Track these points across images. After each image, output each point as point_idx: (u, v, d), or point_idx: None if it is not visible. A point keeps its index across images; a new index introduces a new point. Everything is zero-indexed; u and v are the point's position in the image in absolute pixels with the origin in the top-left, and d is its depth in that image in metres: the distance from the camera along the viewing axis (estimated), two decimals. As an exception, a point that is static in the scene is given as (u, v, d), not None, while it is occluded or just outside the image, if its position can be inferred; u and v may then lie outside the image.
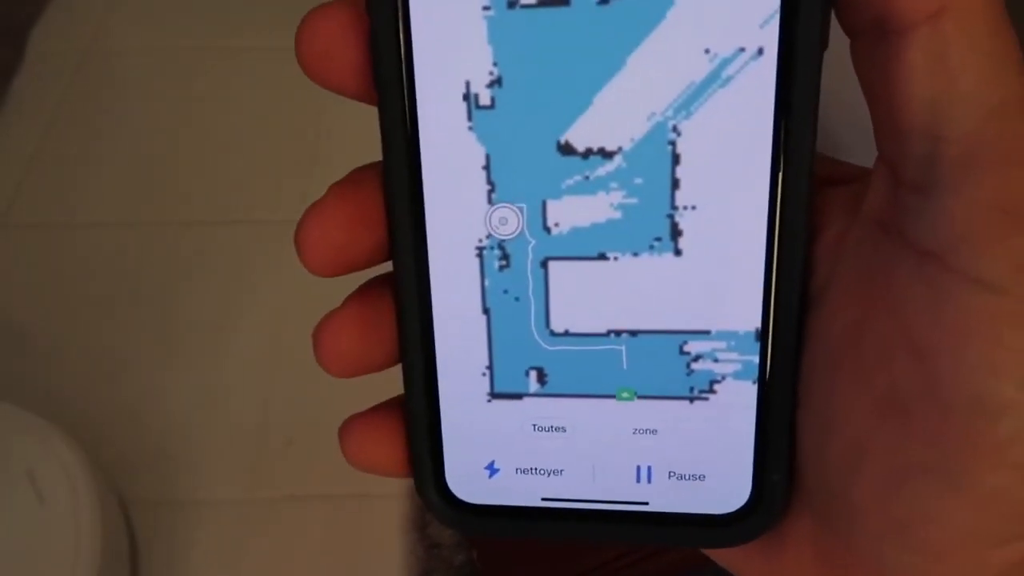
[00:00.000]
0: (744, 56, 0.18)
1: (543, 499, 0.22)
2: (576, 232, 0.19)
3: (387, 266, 0.21)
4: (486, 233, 0.20)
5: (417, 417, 0.21)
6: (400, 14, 0.18)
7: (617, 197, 0.19)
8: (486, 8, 0.18)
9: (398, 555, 0.82)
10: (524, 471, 0.21)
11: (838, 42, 0.18)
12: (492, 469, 0.22)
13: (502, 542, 0.75)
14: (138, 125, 1.22)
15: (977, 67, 0.16)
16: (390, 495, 0.86)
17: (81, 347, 1.00)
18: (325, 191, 0.20)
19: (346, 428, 0.22)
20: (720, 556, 0.23)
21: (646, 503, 0.21)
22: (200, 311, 1.03)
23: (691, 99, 0.18)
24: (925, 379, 0.17)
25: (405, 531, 0.83)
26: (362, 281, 0.22)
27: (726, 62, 0.18)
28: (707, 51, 0.18)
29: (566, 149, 0.19)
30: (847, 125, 0.68)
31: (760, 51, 0.17)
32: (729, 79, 0.18)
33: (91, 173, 1.16)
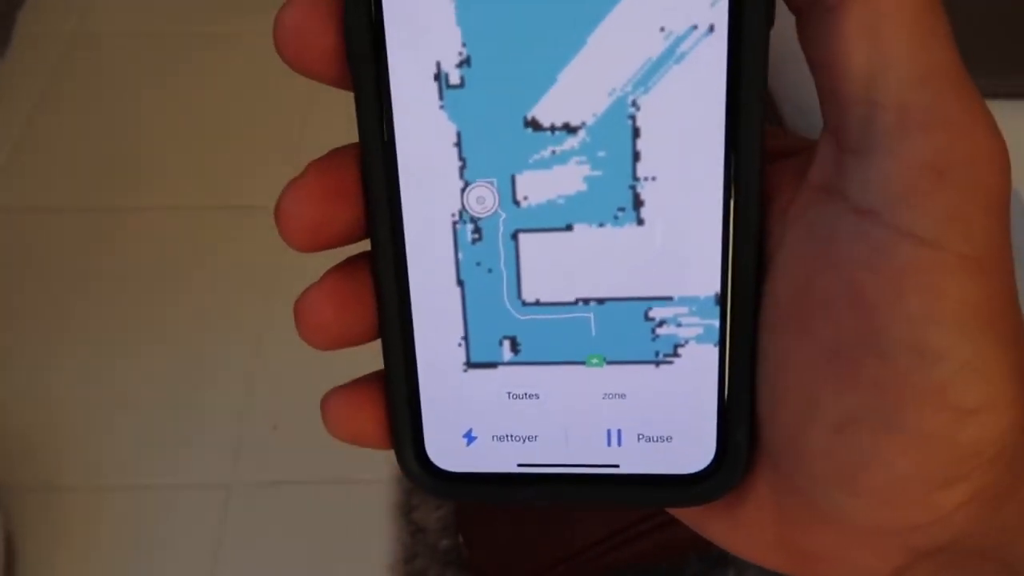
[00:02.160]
0: (696, 33, 0.18)
1: (519, 465, 0.22)
2: (544, 205, 0.20)
3: (366, 244, 0.21)
4: (459, 208, 0.20)
5: (396, 388, 0.22)
6: None
7: (582, 170, 0.19)
8: None
9: (383, 540, 0.83)
10: (500, 438, 0.22)
11: (783, 25, 0.19)
12: (470, 437, 0.22)
13: (487, 527, 0.76)
14: (124, 109, 1.22)
15: (907, 39, 0.17)
16: (375, 480, 0.86)
17: (74, 328, 1.00)
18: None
19: (327, 400, 0.22)
20: (686, 515, 0.23)
21: (617, 465, 0.22)
22: (184, 295, 1.03)
23: (648, 75, 0.19)
24: (867, 329, 0.18)
25: (390, 516, 0.84)
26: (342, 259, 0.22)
27: (680, 39, 0.18)
28: (662, 29, 0.18)
29: (533, 125, 0.19)
30: (788, 103, 0.70)
31: (711, 28, 0.18)
32: (683, 55, 0.18)
33: (75, 157, 1.16)
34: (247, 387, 0.95)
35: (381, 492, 0.85)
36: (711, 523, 0.22)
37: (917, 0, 0.17)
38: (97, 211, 1.11)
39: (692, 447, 0.21)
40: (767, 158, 0.19)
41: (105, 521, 0.87)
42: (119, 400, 0.94)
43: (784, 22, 0.19)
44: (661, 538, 0.68)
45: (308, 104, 1.19)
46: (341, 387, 0.22)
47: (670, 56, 0.19)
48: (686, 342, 0.21)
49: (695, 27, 0.18)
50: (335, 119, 1.13)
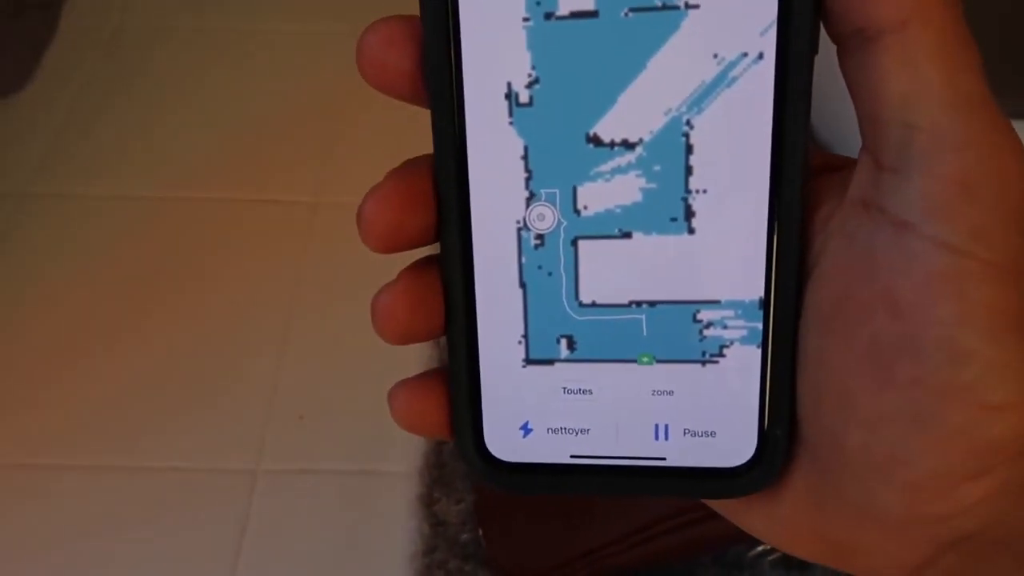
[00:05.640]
0: (747, 60, 0.20)
1: (571, 456, 0.24)
2: (602, 214, 0.22)
3: (436, 247, 0.23)
4: (524, 216, 0.22)
5: (459, 382, 0.23)
6: (451, 24, 0.21)
7: (638, 182, 0.21)
8: (526, 19, 0.20)
9: (404, 531, 0.84)
10: (555, 431, 0.24)
11: (826, 56, 0.20)
12: (526, 429, 0.24)
13: (506, 523, 0.77)
14: (162, 100, 1.24)
15: (939, 68, 0.19)
16: (398, 473, 0.88)
17: (104, 313, 1.02)
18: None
19: (394, 392, 0.24)
20: (726, 507, 0.24)
21: (663, 458, 0.23)
22: (213, 286, 1.05)
23: (702, 97, 0.21)
24: (901, 332, 0.19)
25: (412, 508, 0.85)
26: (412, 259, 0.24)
27: (732, 65, 0.20)
28: (715, 56, 0.20)
29: (594, 141, 0.21)
30: (828, 128, 0.73)
31: (760, 55, 0.20)
32: (735, 79, 0.20)
33: (117, 147, 1.18)
34: (274, 378, 0.97)
35: (403, 484, 0.86)
36: (750, 515, 0.24)
37: (949, 33, 0.19)
38: (133, 199, 1.13)
39: (735, 442, 0.23)
40: (810, 174, 0.21)
41: (132, 501, 0.89)
42: (149, 383, 0.96)
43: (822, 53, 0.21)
44: (677, 540, 0.69)
45: (340, 102, 1.20)
46: (407, 380, 0.24)
47: (722, 80, 0.20)
48: (731, 343, 0.22)
49: (745, 54, 0.20)
50: (366, 117, 1.14)
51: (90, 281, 1.05)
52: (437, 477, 0.85)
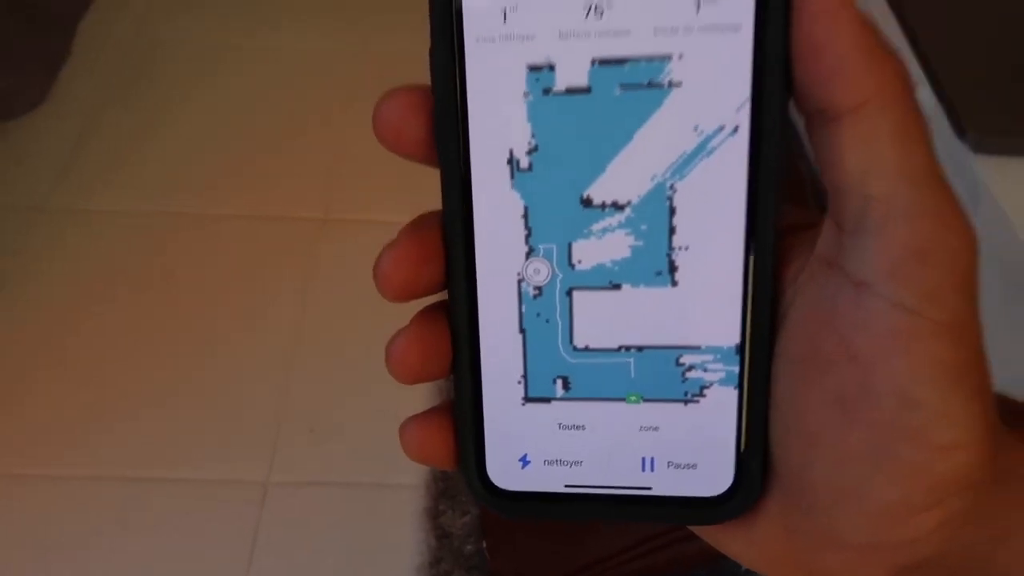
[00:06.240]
0: (724, 132, 0.22)
1: (566, 485, 0.26)
2: (594, 267, 0.24)
3: (443, 294, 0.25)
4: (523, 270, 0.24)
5: (464, 418, 0.25)
6: (458, 97, 0.23)
7: (627, 240, 0.23)
8: (526, 94, 0.23)
9: (410, 543, 0.86)
10: (551, 462, 0.26)
11: None
12: (525, 461, 0.26)
13: (510, 536, 0.79)
14: (175, 115, 1.26)
15: (894, 144, 0.21)
16: (405, 486, 0.90)
17: (125, 327, 1.04)
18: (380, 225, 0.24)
19: (404, 427, 0.26)
20: (706, 533, 0.26)
21: (649, 488, 0.25)
22: (224, 301, 1.07)
23: (684, 164, 0.23)
24: (860, 381, 0.21)
25: (419, 520, 0.87)
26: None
27: (710, 137, 0.22)
28: (695, 128, 0.22)
29: (587, 203, 0.23)
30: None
31: (736, 129, 0.22)
32: (713, 150, 0.22)
33: (129, 163, 1.20)
34: (284, 392, 0.99)
35: (410, 497, 0.88)
36: (728, 540, 0.26)
37: (902, 113, 0.21)
38: (145, 214, 1.15)
39: (714, 473, 0.25)
40: (781, 234, 0.23)
41: (145, 511, 0.91)
42: (160, 396, 0.98)
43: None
44: (673, 553, 0.71)
45: (348, 120, 1.22)
46: (416, 416, 0.26)
47: (702, 150, 0.22)
48: (711, 384, 0.24)
49: (722, 127, 0.22)
50: (373, 135, 1.16)
51: (103, 294, 1.08)
52: (443, 490, 0.87)
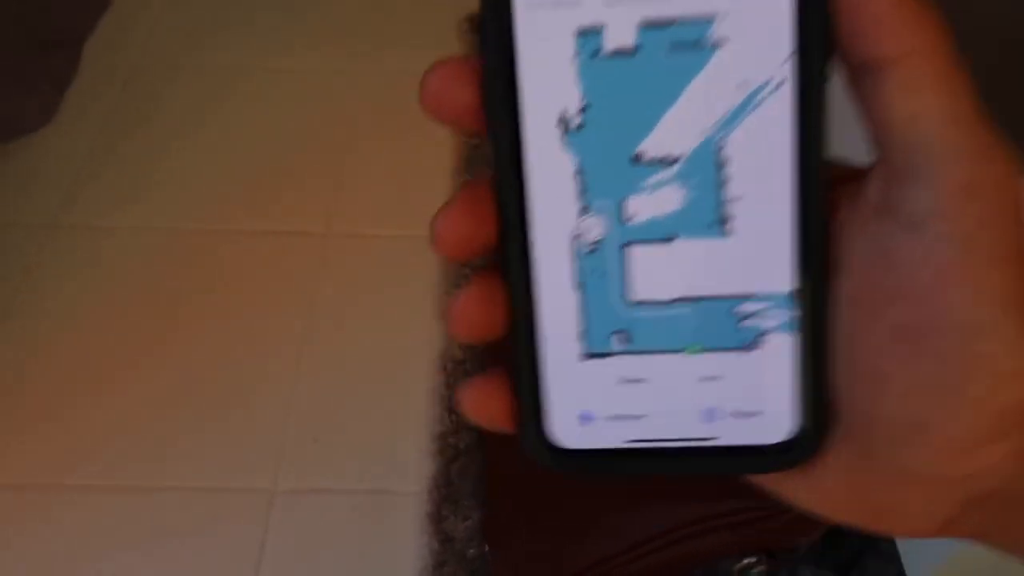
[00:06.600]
0: (770, 86, 0.23)
1: (628, 441, 0.26)
2: (648, 221, 0.24)
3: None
4: (578, 225, 0.24)
5: (523, 377, 0.26)
6: (509, 62, 0.24)
7: (679, 194, 0.24)
8: (575, 56, 0.23)
9: (414, 547, 0.87)
10: (612, 418, 0.26)
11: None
12: (585, 417, 0.26)
13: (511, 539, 0.79)
14: (179, 136, 1.28)
15: (938, 91, 0.22)
16: (408, 491, 0.91)
17: (134, 341, 1.06)
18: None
19: (464, 390, 0.26)
20: (772, 481, 0.27)
21: (713, 438, 0.26)
22: (230, 313, 1.09)
23: (732, 118, 0.24)
24: (922, 315, 0.22)
25: (422, 525, 0.88)
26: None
27: (757, 91, 0.23)
28: (742, 83, 0.23)
29: (638, 159, 0.24)
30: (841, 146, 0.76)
31: (781, 82, 0.23)
32: (760, 103, 0.23)
33: (136, 180, 1.22)
34: (289, 402, 1.00)
35: (413, 502, 0.90)
36: (791, 487, 0.26)
37: (943, 62, 0.22)
38: (152, 230, 1.17)
39: (777, 420, 0.25)
40: (829, 182, 0.24)
41: (157, 520, 0.92)
42: (168, 407, 1.00)
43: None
44: (670, 555, 0.72)
45: (351, 136, 1.23)
46: (474, 379, 0.26)
47: (749, 104, 0.24)
48: (768, 331, 0.25)
49: (768, 81, 0.23)
50: (376, 150, 1.18)
51: (112, 308, 1.09)
52: (446, 495, 0.88)
